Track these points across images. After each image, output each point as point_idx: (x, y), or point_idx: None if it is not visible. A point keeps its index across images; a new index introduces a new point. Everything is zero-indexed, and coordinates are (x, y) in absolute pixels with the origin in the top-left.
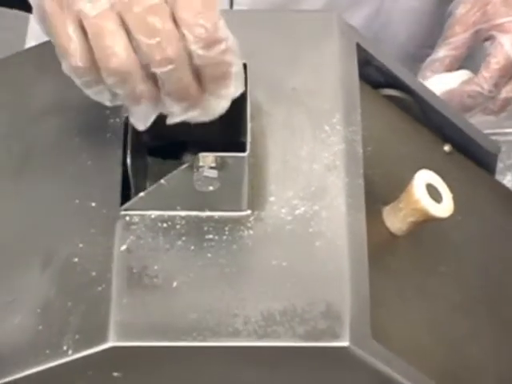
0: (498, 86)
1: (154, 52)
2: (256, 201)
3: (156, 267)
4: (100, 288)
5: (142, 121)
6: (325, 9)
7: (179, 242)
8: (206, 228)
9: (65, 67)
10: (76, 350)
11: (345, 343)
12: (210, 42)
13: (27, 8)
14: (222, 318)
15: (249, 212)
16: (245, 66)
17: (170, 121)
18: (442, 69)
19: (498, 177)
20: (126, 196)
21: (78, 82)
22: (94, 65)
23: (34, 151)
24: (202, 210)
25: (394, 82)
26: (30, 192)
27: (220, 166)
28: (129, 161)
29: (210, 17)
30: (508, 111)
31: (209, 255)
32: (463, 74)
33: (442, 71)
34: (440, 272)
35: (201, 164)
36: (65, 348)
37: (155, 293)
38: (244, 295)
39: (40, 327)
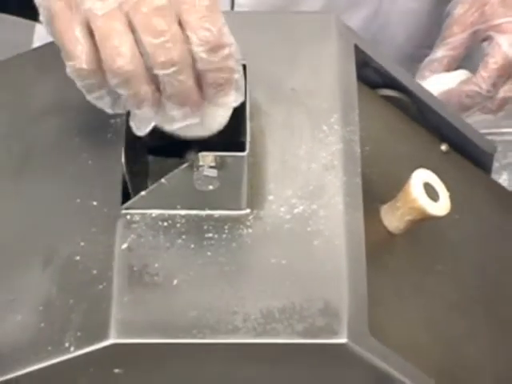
0: (496, 85)
1: (158, 53)
2: (255, 200)
3: (156, 265)
4: (101, 286)
5: (142, 126)
6: (323, 10)
7: (179, 241)
8: (205, 227)
9: (69, 70)
10: (78, 347)
11: (343, 340)
12: (215, 46)
13: (29, 15)
14: (222, 315)
15: (248, 211)
16: (244, 66)
17: (169, 128)
18: (441, 69)
19: (494, 176)
20: (126, 195)
21: (80, 85)
22: (98, 67)
23: (35, 151)
24: (201, 208)
25: (392, 83)
26: (32, 191)
27: (220, 165)
28: (123, 160)
29: (215, 20)
30: (506, 110)
31: (208, 253)
32: (461, 74)
33: (440, 71)
34: (437, 270)
35: (201, 163)
36: (66, 345)
37: (156, 291)
38: (243, 293)
39: (42, 325)
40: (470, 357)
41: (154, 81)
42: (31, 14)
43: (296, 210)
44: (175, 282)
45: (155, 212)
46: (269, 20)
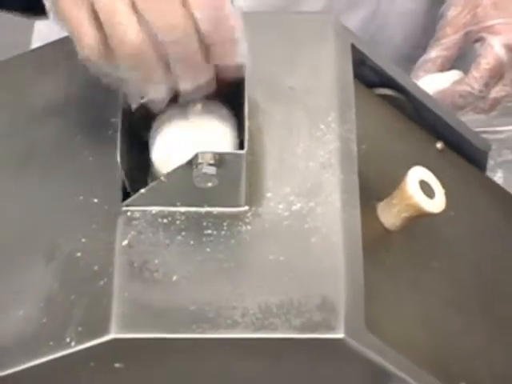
0: (487, 85)
1: (160, 19)
2: (254, 197)
3: (156, 261)
4: (102, 282)
5: (157, 102)
6: (323, 11)
7: (179, 237)
8: (205, 223)
9: (80, 55)
10: (79, 342)
11: (340, 335)
12: (214, 7)
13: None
14: (221, 310)
15: (246, 208)
16: (243, 65)
17: (184, 99)
18: (434, 69)
19: (488, 173)
20: (127, 192)
21: (95, 70)
22: (108, 50)
23: (36, 149)
24: (201, 205)
25: (388, 82)
26: (33, 189)
27: (218, 163)
28: (118, 159)
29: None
30: (498, 110)
31: (208, 250)
32: (454, 74)
33: (434, 71)
34: (433, 267)
35: (200, 161)
36: (68, 340)
37: (156, 286)
38: (242, 289)
39: (44, 320)
40: (466, 352)
41: (163, 60)
42: (30, 14)
43: (294, 208)
44: (175, 277)
45: (155, 209)
46: (267, 20)
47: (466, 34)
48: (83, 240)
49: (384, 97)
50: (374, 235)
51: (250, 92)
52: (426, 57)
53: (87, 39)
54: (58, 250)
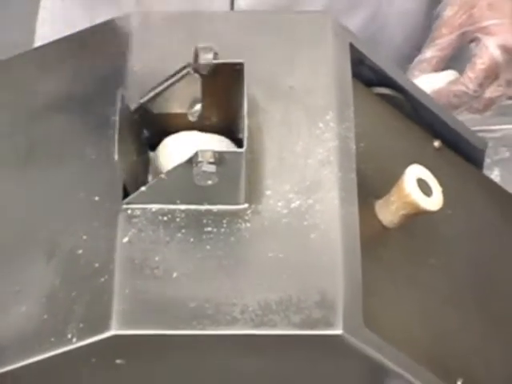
0: (482, 86)
1: None
2: (253, 195)
3: (157, 258)
4: (103, 279)
5: None
6: (321, 11)
7: (179, 235)
8: (204, 221)
9: None
10: (80, 338)
11: (338, 331)
12: None
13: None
14: (221, 307)
15: (246, 205)
16: (243, 64)
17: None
18: (430, 69)
19: (485, 172)
20: (127, 190)
21: None
22: None
23: (39, 148)
24: (201, 203)
25: (386, 81)
26: (36, 187)
27: (218, 161)
28: (116, 158)
29: None
30: (493, 110)
31: (207, 247)
32: (450, 74)
33: (429, 71)
34: (430, 264)
35: (200, 159)
36: (69, 336)
37: (156, 283)
38: (242, 285)
39: (45, 316)
40: (463, 348)
41: None
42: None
43: (293, 205)
44: (175, 274)
45: (155, 207)
46: (266, 20)
47: (462, 35)
48: (84, 237)
49: (382, 96)
50: (372, 232)
51: (249, 91)
52: (421, 57)
53: None
54: (59, 248)
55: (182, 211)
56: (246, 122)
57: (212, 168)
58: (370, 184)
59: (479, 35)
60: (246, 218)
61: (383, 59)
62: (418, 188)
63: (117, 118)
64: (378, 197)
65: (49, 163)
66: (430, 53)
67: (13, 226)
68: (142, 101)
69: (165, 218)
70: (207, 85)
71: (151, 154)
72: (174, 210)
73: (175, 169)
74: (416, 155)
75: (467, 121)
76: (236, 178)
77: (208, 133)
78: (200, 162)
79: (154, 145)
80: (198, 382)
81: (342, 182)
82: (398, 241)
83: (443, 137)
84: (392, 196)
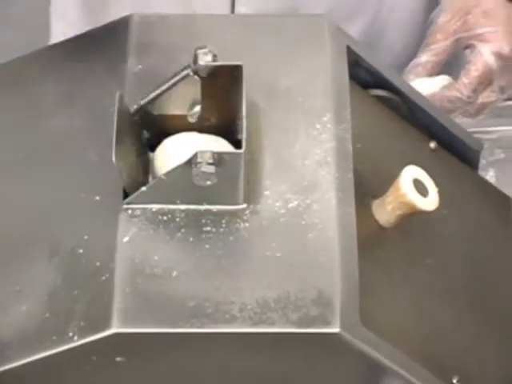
0: (476, 92)
1: None
2: (252, 195)
3: (156, 258)
4: (104, 277)
5: None
6: (319, 14)
7: (179, 234)
8: (204, 221)
9: None
10: (81, 336)
11: (335, 329)
12: None
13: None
14: (220, 305)
15: (245, 205)
16: (241, 67)
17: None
18: (424, 73)
19: (481, 173)
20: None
21: None
22: None
23: (42, 148)
24: (200, 203)
25: (383, 83)
26: (38, 187)
27: (217, 162)
28: (114, 159)
29: None
30: (486, 113)
31: (207, 246)
32: (443, 79)
33: (423, 75)
34: (426, 263)
35: (199, 160)
36: (70, 334)
37: (156, 282)
38: (240, 284)
39: (47, 315)
40: (458, 346)
41: None
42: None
43: (291, 205)
44: (174, 273)
45: (155, 207)
46: (264, 23)
47: (456, 41)
48: (85, 237)
49: (379, 97)
50: (369, 232)
51: (248, 93)
52: (416, 61)
53: None
54: (60, 247)
55: (182, 211)
56: (244, 123)
57: (211, 169)
58: (367, 184)
59: (474, 42)
60: (245, 217)
61: (380, 62)
62: (414, 188)
63: (115, 120)
64: (375, 197)
65: (50, 163)
66: (425, 57)
67: (14, 226)
68: (142, 102)
69: (165, 218)
70: (206, 87)
71: (151, 154)
72: (174, 210)
73: (175, 169)
74: (412, 156)
75: (463, 122)
76: (235, 179)
77: (207, 134)
78: (199, 162)
79: (153, 146)
80: (197, 379)
81: (339, 182)
82: (394, 240)
83: (439, 138)
84: (388, 196)
